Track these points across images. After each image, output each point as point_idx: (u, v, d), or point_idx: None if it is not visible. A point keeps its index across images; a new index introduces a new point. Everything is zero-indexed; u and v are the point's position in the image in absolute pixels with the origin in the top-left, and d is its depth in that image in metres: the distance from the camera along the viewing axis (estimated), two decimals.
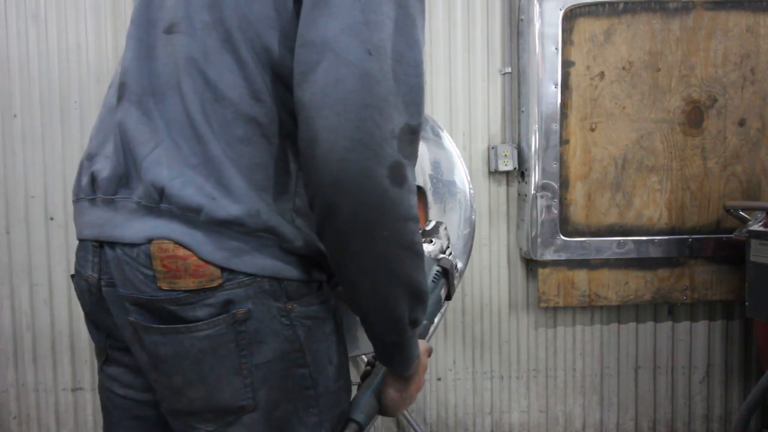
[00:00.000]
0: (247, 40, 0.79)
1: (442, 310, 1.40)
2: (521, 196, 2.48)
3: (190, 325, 0.78)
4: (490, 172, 2.51)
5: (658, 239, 2.40)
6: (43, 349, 2.45)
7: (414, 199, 0.78)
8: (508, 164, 2.43)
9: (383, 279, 0.79)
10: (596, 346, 2.59)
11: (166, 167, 0.79)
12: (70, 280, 2.39)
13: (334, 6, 0.73)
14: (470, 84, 2.49)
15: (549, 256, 2.38)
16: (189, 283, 0.77)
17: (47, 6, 2.38)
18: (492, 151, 2.47)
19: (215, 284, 0.78)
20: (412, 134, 0.77)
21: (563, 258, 2.38)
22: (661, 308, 2.59)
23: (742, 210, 2.31)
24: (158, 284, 0.78)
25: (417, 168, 1.62)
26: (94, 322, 0.94)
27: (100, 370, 0.97)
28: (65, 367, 2.46)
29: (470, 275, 2.52)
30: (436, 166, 1.66)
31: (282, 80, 0.80)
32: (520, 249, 2.51)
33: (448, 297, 1.18)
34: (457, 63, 2.48)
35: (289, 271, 0.82)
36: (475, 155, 2.50)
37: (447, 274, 1.15)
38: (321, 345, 0.86)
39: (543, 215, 2.36)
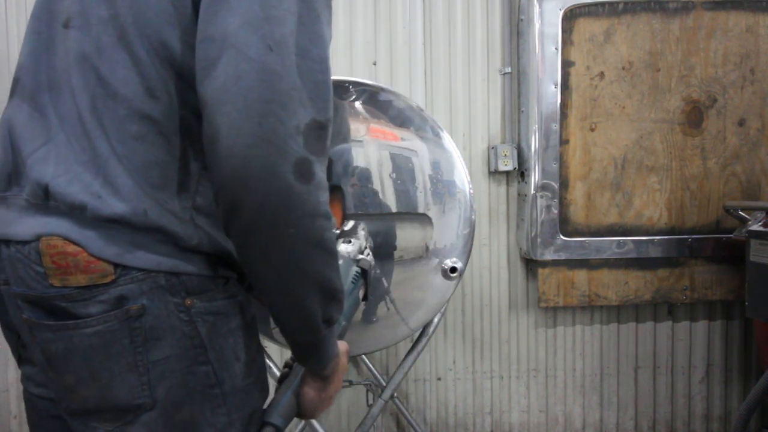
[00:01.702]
0: (143, 36, 0.78)
1: (360, 310, 1.40)
2: (521, 196, 2.48)
3: (79, 321, 0.77)
4: (490, 172, 2.51)
5: (658, 239, 2.40)
6: None
7: (324, 196, 0.77)
8: (508, 164, 2.43)
9: (292, 277, 0.77)
10: (596, 346, 2.59)
11: (53, 164, 0.78)
12: None
13: (234, 1, 0.72)
14: (470, 84, 2.49)
15: (549, 256, 2.38)
16: (80, 280, 0.76)
17: None
18: (492, 151, 2.47)
19: (108, 280, 0.76)
20: (320, 129, 0.76)
21: (563, 258, 2.38)
22: (661, 308, 2.59)
23: (742, 210, 2.31)
24: (50, 281, 0.77)
25: (417, 168, 1.62)
26: (3, 321, 0.92)
27: (21, 371, 0.96)
28: None
29: (470, 275, 2.52)
30: (435, 166, 1.66)
31: (183, 77, 0.78)
32: (520, 249, 2.51)
33: (365, 297, 1.18)
34: (457, 63, 2.48)
35: (188, 266, 0.80)
36: (475, 155, 2.50)
37: (366, 274, 1.14)
38: (226, 341, 0.84)
39: (543, 215, 2.36)
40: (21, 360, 0.95)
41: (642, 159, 2.39)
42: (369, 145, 1.62)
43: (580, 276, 2.41)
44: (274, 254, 0.76)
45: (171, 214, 0.79)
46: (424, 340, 2.00)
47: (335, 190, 1.50)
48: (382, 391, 1.99)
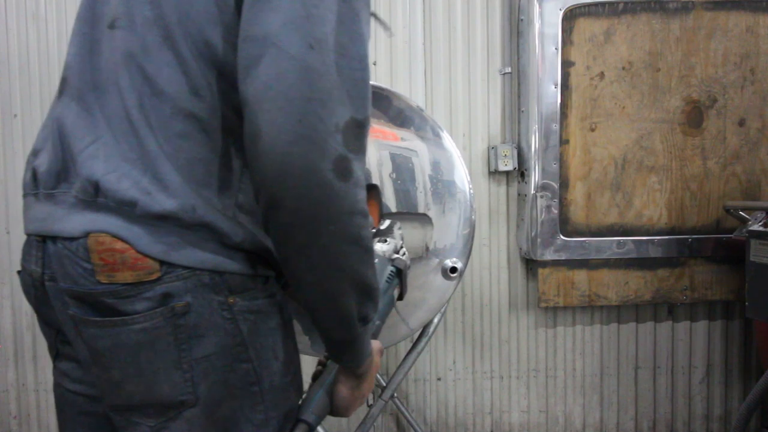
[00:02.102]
0: (187, 36, 0.79)
1: (394, 310, 1.40)
2: (521, 196, 2.48)
3: (126, 317, 0.78)
4: (490, 172, 2.51)
5: (658, 239, 2.40)
6: (43, 349, 2.45)
7: (362, 194, 0.78)
8: (508, 164, 2.43)
9: (329, 274, 0.78)
10: (596, 346, 2.59)
11: (102, 161, 0.79)
12: None
13: (276, 0, 0.73)
14: (470, 84, 2.49)
15: (549, 256, 2.38)
16: (127, 276, 0.77)
17: (47, 6, 2.39)
18: (492, 151, 2.47)
19: (153, 277, 0.77)
20: (358, 128, 0.76)
21: (563, 258, 2.38)
22: (661, 308, 2.59)
23: (742, 210, 2.31)
24: (97, 277, 0.78)
25: (417, 168, 1.62)
26: (43, 317, 0.94)
27: (54, 367, 0.97)
28: None
29: (470, 275, 2.52)
30: (435, 166, 1.66)
31: (225, 76, 0.79)
32: (520, 249, 2.51)
33: (400, 297, 1.17)
34: (457, 63, 2.48)
35: (231, 264, 0.81)
36: (475, 155, 2.50)
37: (401, 274, 1.14)
38: (266, 340, 0.85)
39: (543, 215, 2.36)
40: (58, 356, 0.96)
41: (642, 159, 2.39)
42: (369, 145, 1.62)
43: (580, 276, 2.41)
44: (313, 251, 0.76)
45: (217, 211, 0.80)
46: (424, 340, 2.00)
47: (371, 189, 1.50)
48: (382, 391, 1.99)
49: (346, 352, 0.88)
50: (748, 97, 2.40)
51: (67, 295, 0.81)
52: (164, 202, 0.77)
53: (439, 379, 2.58)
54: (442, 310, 1.85)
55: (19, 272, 0.95)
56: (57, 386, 0.97)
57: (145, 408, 0.82)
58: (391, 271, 1.12)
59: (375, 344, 0.96)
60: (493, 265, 2.54)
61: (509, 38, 2.47)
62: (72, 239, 0.79)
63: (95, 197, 0.79)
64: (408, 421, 2.46)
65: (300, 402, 0.93)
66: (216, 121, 0.80)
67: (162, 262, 0.78)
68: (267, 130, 0.71)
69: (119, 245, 0.77)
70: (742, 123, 2.41)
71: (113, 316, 0.79)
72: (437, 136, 1.70)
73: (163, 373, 0.80)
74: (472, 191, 1.69)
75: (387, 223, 1.21)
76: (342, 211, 0.75)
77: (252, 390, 0.84)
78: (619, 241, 2.39)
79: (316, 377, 0.97)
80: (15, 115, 2.39)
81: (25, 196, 0.92)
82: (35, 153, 0.90)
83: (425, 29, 2.47)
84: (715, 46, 2.38)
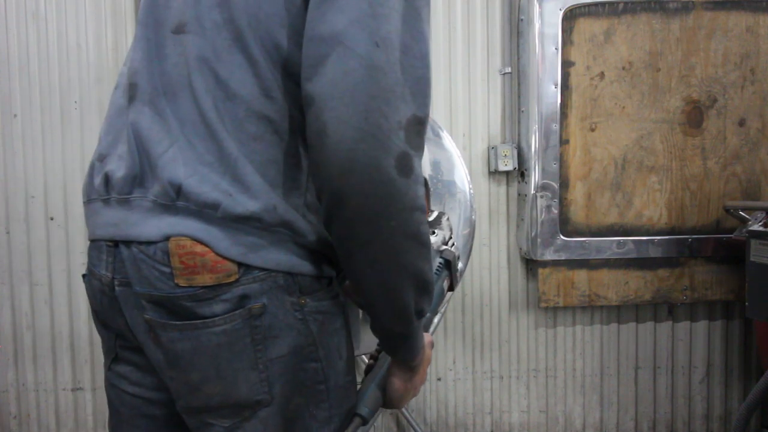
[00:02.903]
0: (257, 38, 0.80)
1: (446, 302, 1.40)
2: (521, 196, 2.48)
3: (207, 320, 0.79)
4: (490, 172, 2.51)
5: (658, 239, 2.40)
6: (43, 349, 2.45)
7: (421, 190, 0.79)
8: (508, 164, 2.43)
9: (390, 269, 0.79)
10: (596, 346, 2.59)
11: (182, 165, 0.80)
12: (70, 280, 2.42)
13: (342, 0, 0.74)
14: (470, 84, 2.49)
15: (549, 256, 2.38)
16: (206, 279, 0.78)
17: (47, 5, 2.39)
18: (492, 151, 2.47)
19: (232, 279, 0.79)
20: (419, 125, 0.77)
21: (563, 258, 2.38)
22: (661, 308, 2.59)
23: (742, 210, 2.31)
24: (176, 281, 0.79)
25: None
26: (103, 321, 0.94)
27: (108, 369, 0.98)
28: (65, 367, 2.46)
29: (470, 275, 2.52)
30: (436, 166, 1.66)
31: (292, 76, 0.81)
32: (520, 249, 2.51)
33: (451, 288, 1.18)
34: (457, 63, 2.48)
35: (303, 266, 0.83)
36: (475, 155, 2.50)
37: (450, 265, 1.14)
38: (332, 339, 0.87)
39: (543, 215, 2.36)
40: (116, 359, 0.96)
41: (642, 159, 2.39)
42: None
43: (580, 276, 2.41)
44: (374, 246, 0.77)
45: (294, 211, 0.82)
46: None
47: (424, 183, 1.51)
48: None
49: (402, 346, 0.90)
50: (748, 97, 2.40)
51: (144, 299, 0.82)
52: (247, 203, 0.79)
53: (439, 379, 2.58)
54: (442, 310, 1.85)
55: (84, 276, 0.95)
56: (113, 388, 0.97)
57: (222, 409, 0.83)
58: (440, 263, 1.12)
59: (426, 337, 0.97)
60: (493, 265, 2.54)
61: (509, 38, 2.47)
62: (150, 243, 0.80)
63: (175, 201, 0.80)
64: (408, 421, 2.46)
65: None
66: (285, 122, 0.81)
67: (240, 264, 0.79)
68: (333, 127, 0.72)
69: (199, 248, 0.78)
70: (742, 123, 2.41)
71: (191, 318, 0.80)
72: (437, 136, 1.70)
73: (241, 374, 0.81)
74: (472, 191, 1.69)
75: (435, 214, 1.22)
76: (404, 207, 0.76)
77: (319, 389, 0.86)
78: (619, 241, 2.39)
79: (368, 371, 0.98)
80: (15, 115, 2.39)
81: (90, 201, 0.92)
82: (102, 158, 0.90)
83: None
84: (715, 46, 2.38)
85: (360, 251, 0.79)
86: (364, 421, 0.91)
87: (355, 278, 0.83)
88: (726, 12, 2.37)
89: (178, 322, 0.80)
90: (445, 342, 2.56)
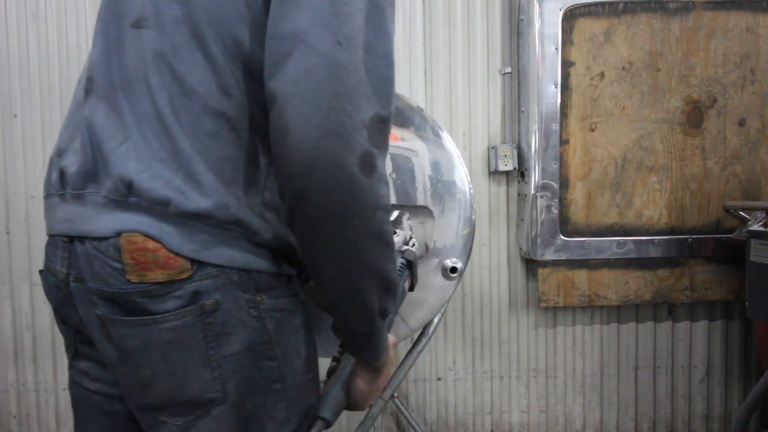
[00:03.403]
0: (216, 35, 0.79)
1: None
2: (521, 196, 2.48)
3: (157, 316, 0.78)
4: (490, 172, 2.51)
5: (658, 239, 2.40)
6: (43, 349, 2.45)
7: (384, 189, 0.78)
8: (508, 164, 2.43)
9: (353, 268, 0.79)
10: (596, 346, 2.59)
11: (134, 161, 0.79)
12: None
13: None
14: (470, 84, 2.49)
15: (549, 256, 2.38)
16: (158, 275, 0.77)
17: (47, 5, 2.39)
18: (492, 151, 2.47)
19: (185, 276, 0.78)
20: (382, 124, 0.77)
21: (563, 258, 2.38)
22: (661, 308, 2.59)
23: (742, 210, 2.31)
24: (127, 277, 0.78)
25: (417, 168, 1.62)
26: (62, 317, 0.94)
27: (70, 366, 0.97)
28: (65, 367, 2.45)
29: (470, 275, 2.52)
30: (435, 166, 1.66)
31: (253, 74, 0.80)
32: (520, 249, 2.51)
33: (411, 288, 1.18)
34: (457, 63, 2.48)
35: (259, 263, 0.82)
36: (475, 155, 2.50)
37: (411, 265, 1.14)
38: (289, 338, 0.86)
39: (543, 215, 2.36)
40: (76, 355, 0.96)
41: (642, 159, 2.39)
42: None
43: (580, 276, 2.41)
44: (337, 245, 0.77)
45: (248, 209, 0.81)
46: (424, 340, 2.00)
47: None
48: (382, 391, 1.99)
49: (365, 346, 0.89)
50: (748, 97, 2.40)
51: (96, 296, 0.82)
52: (198, 201, 0.78)
53: (439, 379, 2.58)
54: (442, 310, 1.85)
55: (41, 272, 0.95)
56: (74, 384, 0.97)
57: (174, 407, 0.82)
58: (402, 263, 1.12)
59: (390, 338, 0.97)
60: (493, 265, 2.54)
61: (509, 38, 2.47)
62: (102, 239, 0.79)
63: (127, 197, 0.79)
64: (408, 421, 2.46)
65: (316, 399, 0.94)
66: (244, 119, 0.81)
67: (193, 261, 0.78)
68: (295, 125, 0.72)
69: (151, 244, 0.77)
70: (742, 123, 2.41)
71: (143, 315, 0.79)
72: (437, 136, 1.70)
73: (192, 371, 0.80)
74: (472, 191, 1.69)
75: (396, 214, 1.21)
76: (366, 206, 0.76)
77: (275, 387, 0.85)
78: (619, 241, 2.39)
79: (330, 373, 0.97)
80: (15, 115, 2.39)
81: (48, 196, 0.91)
82: (60, 153, 0.90)
83: (425, 29, 2.47)
84: (715, 46, 2.38)
85: (323, 250, 0.78)
86: (328, 424, 0.90)
87: (318, 278, 0.82)
88: (726, 12, 2.37)
89: (128, 318, 0.80)
90: (445, 342, 2.56)
